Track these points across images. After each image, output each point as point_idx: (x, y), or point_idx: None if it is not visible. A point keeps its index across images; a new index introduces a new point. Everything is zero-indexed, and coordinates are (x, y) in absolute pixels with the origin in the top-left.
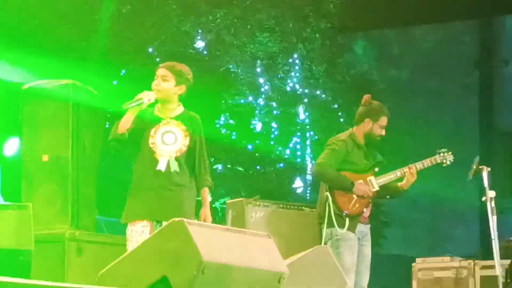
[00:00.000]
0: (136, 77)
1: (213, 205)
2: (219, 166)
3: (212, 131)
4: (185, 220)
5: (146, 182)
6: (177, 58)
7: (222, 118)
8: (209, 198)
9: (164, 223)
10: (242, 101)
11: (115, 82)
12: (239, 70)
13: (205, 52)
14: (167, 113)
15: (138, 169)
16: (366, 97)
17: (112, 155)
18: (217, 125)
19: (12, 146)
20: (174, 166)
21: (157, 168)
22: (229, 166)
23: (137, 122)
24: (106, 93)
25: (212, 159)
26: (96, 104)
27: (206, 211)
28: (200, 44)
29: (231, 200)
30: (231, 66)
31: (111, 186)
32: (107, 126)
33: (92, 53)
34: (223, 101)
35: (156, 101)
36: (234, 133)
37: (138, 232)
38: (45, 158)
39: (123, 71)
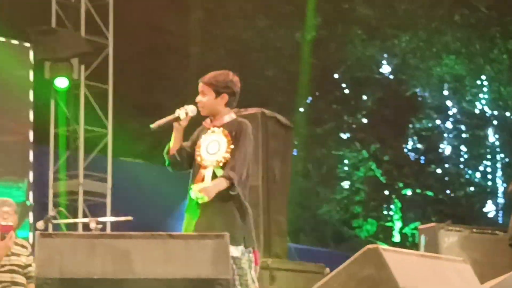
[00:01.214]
0: (322, 104)
1: (403, 231)
2: (409, 191)
3: (400, 156)
4: (379, 246)
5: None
6: (362, 83)
7: (410, 143)
8: (217, 182)
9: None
10: (430, 124)
11: (301, 109)
12: (426, 94)
13: (391, 77)
14: (215, 124)
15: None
16: None
17: (298, 181)
18: (405, 150)
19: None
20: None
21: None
22: (418, 190)
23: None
24: (292, 121)
25: (401, 184)
26: (284, 131)
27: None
28: (386, 68)
29: (423, 226)
30: (417, 90)
31: (301, 213)
32: (294, 153)
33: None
34: (410, 126)
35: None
36: (422, 158)
37: None
38: None
39: (309, 98)
